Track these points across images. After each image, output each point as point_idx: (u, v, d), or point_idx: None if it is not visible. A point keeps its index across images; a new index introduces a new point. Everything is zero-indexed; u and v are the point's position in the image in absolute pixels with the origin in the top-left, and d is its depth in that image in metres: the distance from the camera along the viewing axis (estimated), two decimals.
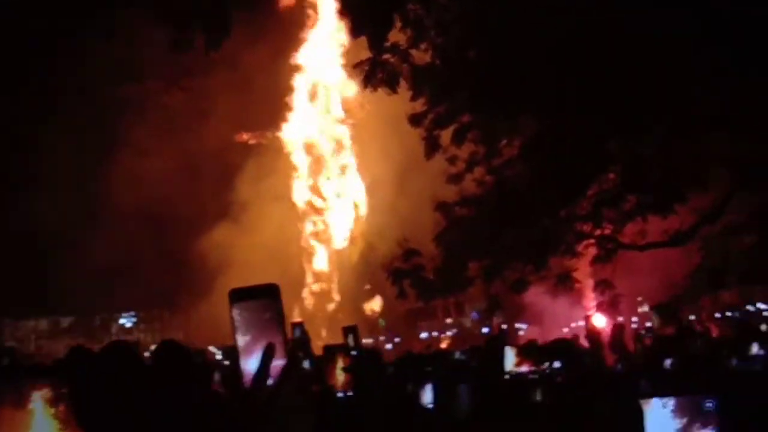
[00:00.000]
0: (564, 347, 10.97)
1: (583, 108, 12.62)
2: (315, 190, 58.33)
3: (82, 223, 50.45)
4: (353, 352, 7.25)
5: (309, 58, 58.03)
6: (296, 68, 57.72)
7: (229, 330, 2.03)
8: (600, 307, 14.83)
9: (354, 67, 14.88)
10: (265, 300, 2.04)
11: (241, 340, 2.02)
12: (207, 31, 12.10)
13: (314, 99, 58.47)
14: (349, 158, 58.34)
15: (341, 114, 58.18)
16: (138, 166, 49.17)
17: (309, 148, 58.47)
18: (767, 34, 10.77)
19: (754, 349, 10.11)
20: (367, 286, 54.77)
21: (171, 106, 52.39)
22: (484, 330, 43.14)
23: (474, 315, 54.23)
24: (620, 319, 14.19)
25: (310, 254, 57.90)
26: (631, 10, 11.76)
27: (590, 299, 16.36)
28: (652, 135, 13.10)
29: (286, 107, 57.63)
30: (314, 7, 56.81)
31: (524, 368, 8.57)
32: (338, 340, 8.67)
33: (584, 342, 13.15)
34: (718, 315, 24.41)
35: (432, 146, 15.22)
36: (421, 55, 14.17)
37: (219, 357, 19.29)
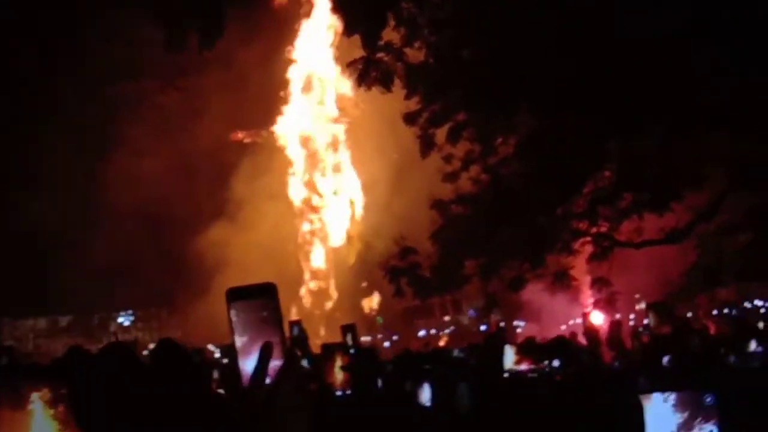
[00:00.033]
0: (563, 345, 10.97)
1: (579, 106, 12.63)
2: (311, 188, 58.30)
3: (80, 223, 50.40)
4: (352, 351, 7.25)
5: (303, 55, 57.97)
6: (290, 66, 57.68)
7: (227, 329, 2.03)
8: (597, 305, 14.84)
9: (348, 65, 14.87)
10: (262, 299, 2.04)
11: (239, 339, 2.03)
12: (200, 31, 12.09)
13: (309, 97, 58.43)
14: (344, 156, 58.32)
15: (336, 112, 58.16)
16: (134, 165, 49.12)
17: (304, 146, 58.44)
18: (766, 34, 10.78)
19: (752, 346, 10.11)
20: (364, 284, 54.75)
21: (166, 105, 52.36)
22: (482, 328, 43.14)
23: (471, 313, 54.25)
24: (617, 316, 14.18)
25: (307, 252, 57.87)
26: (630, 9, 11.77)
27: (587, 297, 16.36)
28: (650, 134, 13.11)
29: (280, 105, 57.61)
30: (309, 3, 56.74)
31: (524, 366, 8.57)
32: (336, 338, 8.66)
33: (582, 339, 13.16)
34: (715, 312, 24.39)
35: (427, 145, 15.23)
36: (415, 54, 14.17)
37: (217, 355, 19.26)
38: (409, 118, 15.17)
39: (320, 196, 57.89)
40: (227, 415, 2.08)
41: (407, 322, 56.76)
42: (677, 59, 11.62)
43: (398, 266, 15.60)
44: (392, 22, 13.68)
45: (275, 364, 1.98)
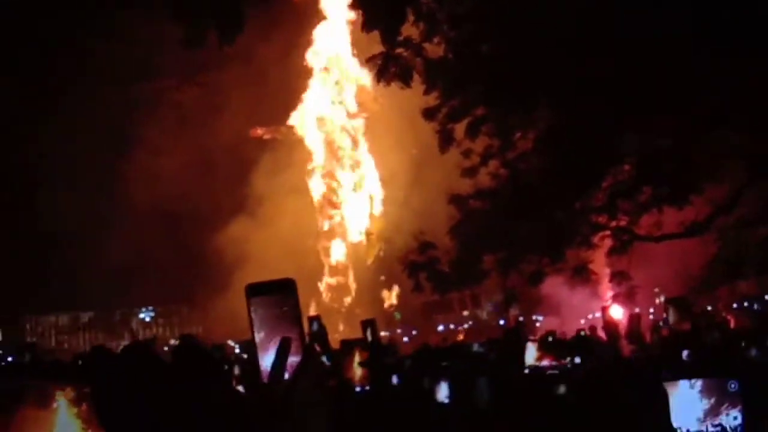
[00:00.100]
0: (583, 342, 10.96)
1: (597, 101, 12.59)
2: (330, 183, 58.34)
3: (101, 221, 50.77)
4: (371, 346, 7.27)
5: (322, 50, 57.96)
6: (309, 61, 57.69)
7: (247, 324, 2.05)
8: (616, 299, 14.79)
9: (367, 61, 14.88)
10: (281, 295, 2.06)
11: (258, 335, 2.04)
12: (220, 27, 12.12)
13: (328, 92, 58.42)
14: (364, 151, 58.30)
15: (355, 107, 58.14)
16: (154, 163, 49.37)
17: (324, 141, 58.47)
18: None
19: None
20: (382, 278, 54.76)
21: (185, 102, 52.58)
22: (501, 322, 43.07)
23: (490, 307, 54.18)
24: (636, 310, 14.14)
25: (326, 248, 57.94)
26: (648, 5, 11.73)
27: (607, 291, 16.32)
28: (668, 128, 13.06)
29: (300, 100, 57.66)
30: None
31: (545, 363, 8.55)
32: (356, 333, 8.69)
33: (601, 333, 13.13)
34: (735, 305, 24.26)
35: (446, 140, 15.22)
36: (434, 49, 14.16)
37: (237, 351, 19.35)
38: (428, 114, 15.17)
39: (339, 191, 57.94)
40: (247, 412, 2.10)
41: (426, 316, 56.77)
42: (694, 54, 11.56)
43: (417, 261, 15.61)
44: (411, 18, 13.67)
45: (294, 359, 2.00)
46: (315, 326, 7.75)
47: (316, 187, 57.90)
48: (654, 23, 11.45)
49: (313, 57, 57.51)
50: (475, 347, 13.24)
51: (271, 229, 50.38)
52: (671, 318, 9.99)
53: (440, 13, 13.84)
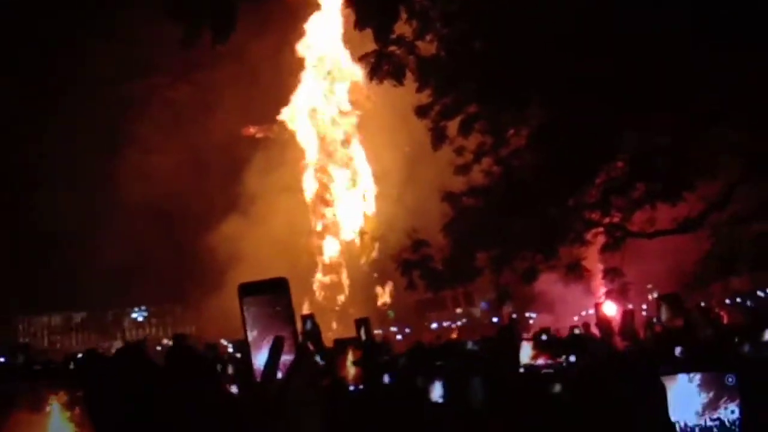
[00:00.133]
0: (578, 340, 10.96)
1: (591, 98, 12.59)
2: (323, 181, 58.32)
3: (93, 221, 50.74)
4: (365, 345, 7.27)
5: (314, 48, 57.91)
6: (302, 58, 57.64)
7: (240, 323, 2.04)
8: (609, 295, 14.81)
9: (360, 59, 14.86)
10: (273, 294, 2.05)
11: (251, 334, 2.04)
12: (214, 26, 12.08)
13: (321, 89, 58.38)
14: (356, 149, 58.30)
15: (348, 105, 58.11)
16: (146, 162, 49.35)
17: (317, 139, 58.44)
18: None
19: (767, 335, 10.08)
20: (375, 275, 54.82)
21: (177, 100, 52.51)
22: (494, 320, 43.15)
23: (483, 305, 54.24)
24: (630, 306, 14.17)
25: (319, 246, 57.94)
26: (642, 2, 11.75)
27: (600, 287, 16.34)
28: (662, 124, 13.07)
29: (292, 98, 57.60)
30: None
31: (540, 361, 8.55)
32: (349, 331, 8.69)
33: (595, 330, 13.15)
34: (728, 301, 24.34)
35: (439, 137, 15.21)
36: (427, 47, 14.15)
37: (231, 350, 19.35)
38: (421, 111, 15.16)
39: (332, 187, 57.91)
40: (240, 413, 2.09)
41: (419, 314, 56.82)
42: (691, 51, 11.57)
43: (410, 259, 15.60)
44: (404, 16, 13.66)
45: (287, 358, 1.99)
46: (308, 325, 7.75)
47: (309, 185, 57.90)
48: (650, 19, 11.45)
49: (305, 49, 57.43)
50: (469, 345, 13.25)
51: (264, 227, 50.40)
52: (663, 315, 10.01)
53: (433, 11, 13.83)
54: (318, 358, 7.04)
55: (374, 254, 54.02)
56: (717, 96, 11.98)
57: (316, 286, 56.57)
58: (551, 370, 8.17)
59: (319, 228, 58.07)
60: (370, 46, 13.90)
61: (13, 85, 47.79)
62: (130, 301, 66.36)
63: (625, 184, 14.15)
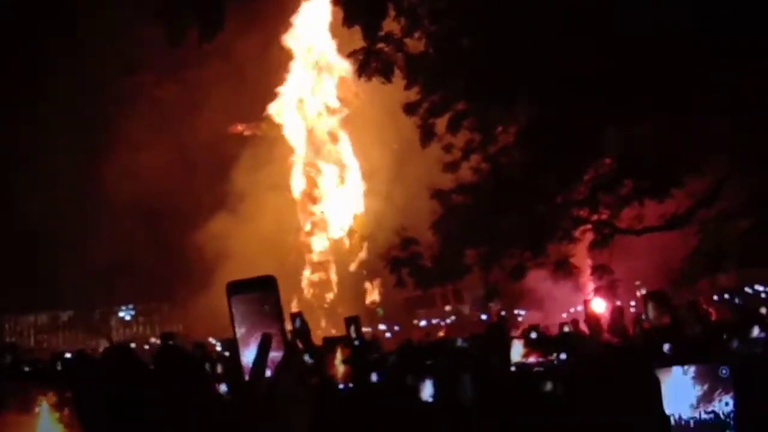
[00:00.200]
0: (568, 338, 10.98)
1: (579, 94, 12.62)
2: (311, 178, 58.29)
3: (79, 219, 50.57)
4: (355, 343, 7.26)
5: (302, 45, 57.84)
6: (289, 55, 57.57)
7: (228, 322, 2.04)
8: (598, 292, 14.85)
9: (348, 56, 14.86)
10: (262, 292, 2.05)
11: (239, 332, 2.03)
12: (201, 24, 12.05)
13: (308, 86, 58.33)
14: (345, 146, 58.29)
15: (336, 102, 58.10)
16: (133, 160, 49.20)
17: (305, 136, 58.40)
18: (762, 18, 10.77)
19: (755, 332, 10.13)
20: (364, 272, 54.85)
21: (164, 98, 52.37)
22: (483, 317, 43.23)
23: (472, 302, 54.31)
24: (618, 303, 14.21)
25: (308, 244, 57.92)
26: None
27: (589, 284, 16.38)
28: (649, 121, 13.10)
29: (280, 95, 57.53)
30: None
31: (532, 359, 8.56)
32: (338, 329, 8.69)
33: (584, 327, 13.18)
34: (716, 298, 24.45)
35: (427, 134, 15.23)
36: (415, 44, 14.16)
37: (219, 348, 19.34)
38: (409, 109, 15.17)
39: (320, 182, 57.88)
40: (229, 412, 2.08)
41: (409, 312, 56.87)
42: (674, 45, 11.60)
43: (399, 256, 15.61)
44: (392, 13, 13.66)
45: (276, 355, 1.99)
46: (298, 323, 7.72)
47: (297, 182, 57.84)
48: (637, 16, 11.48)
49: (292, 41, 57.31)
50: (459, 342, 13.27)
51: (251, 225, 50.35)
52: (650, 313, 10.02)
53: (421, 8, 13.84)
54: (307, 357, 7.01)
55: (363, 253, 54.07)
56: (704, 92, 12.01)
57: (304, 284, 56.56)
58: (542, 368, 8.17)
59: (307, 226, 58.03)
60: (359, 38, 13.90)
61: None
62: (118, 299, 66.18)
63: (613, 181, 14.18)
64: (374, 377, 7.31)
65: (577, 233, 15.11)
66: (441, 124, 15.06)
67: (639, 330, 12.29)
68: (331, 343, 6.95)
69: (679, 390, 3.78)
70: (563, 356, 8.85)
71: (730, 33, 10.97)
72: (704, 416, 3.73)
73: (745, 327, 10.34)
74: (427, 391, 6.29)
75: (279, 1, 54.63)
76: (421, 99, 14.88)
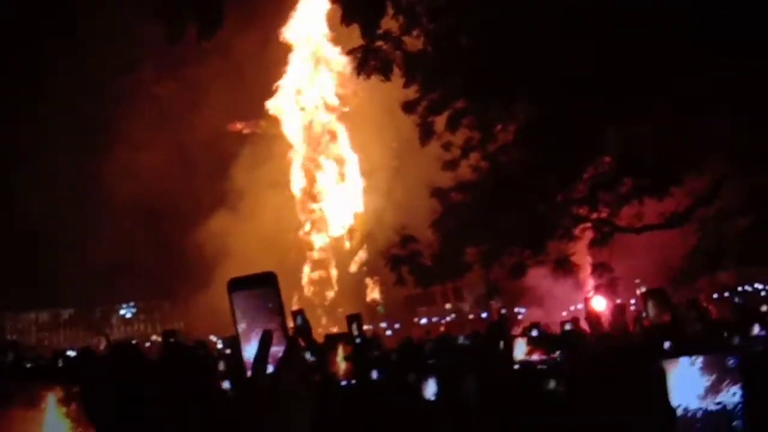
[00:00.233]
0: (571, 336, 10.97)
1: (578, 92, 12.62)
2: (311, 176, 58.25)
3: (80, 217, 50.58)
4: (357, 340, 7.28)
5: (302, 31, 57.75)
6: (288, 53, 57.51)
7: (229, 319, 2.06)
8: (598, 290, 14.85)
9: (347, 54, 14.87)
10: (262, 288, 2.07)
11: (241, 328, 2.05)
12: (200, 22, 12.05)
13: (307, 84, 58.28)
14: (344, 144, 58.25)
15: (335, 100, 58.04)
16: (133, 159, 49.19)
17: (304, 134, 58.33)
18: (762, 18, 10.78)
19: (755, 330, 10.15)
20: (364, 268, 54.82)
21: (164, 96, 52.32)
22: (483, 315, 43.21)
23: (472, 300, 54.26)
24: (618, 301, 14.21)
25: (308, 242, 57.87)
26: None
27: (589, 282, 16.38)
28: (649, 119, 13.10)
29: (279, 92, 57.46)
30: None
31: (535, 357, 8.56)
32: (338, 327, 8.71)
33: (584, 324, 13.18)
34: (716, 296, 24.45)
35: (427, 133, 15.24)
36: (414, 42, 14.16)
37: (220, 346, 19.35)
38: (408, 107, 15.18)
39: (320, 177, 57.80)
40: (231, 408, 2.10)
41: (409, 310, 56.85)
42: (675, 47, 11.61)
43: (399, 255, 15.63)
44: (391, 11, 13.66)
45: (277, 350, 2.00)
46: (299, 320, 7.73)
47: (297, 179, 57.76)
48: (637, 16, 11.49)
49: (290, 34, 57.20)
50: (461, 340, 13.27)
51: (251, 223, 50.34)
52: (650, 311, 10.02)
53: (419, 6, 13.85)
54: (308, 354, 7.03)
55: (363, 251, 54.05)
56: (705, 91, 12.01)
57: (304, 282, 56.52)
58: (545, 366, 8.17)
59: (307, 224, 57.99)
60: (357, 33, 13.89)
61: None
62: (118, 297, 66.17)
63: (613, 180, 14.19)
64: (375, 375, 7.33)
65: (577, 231, 15.13)
66: (440, 122, 15.07)
67: (639, 328, 12.31)
68: (332, 340, 6.96)
69: (687, 381, 3.73)
70: (566, 354, 8.86)
71: (729, 33, 10.97)
72: (712, 407, 3.70)
73: (745, 325, 10.37)
74: (430, 389, 6.30)
75: None
76: (420, 97, 14.90)
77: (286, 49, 57.16)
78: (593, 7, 11.93)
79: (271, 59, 55.53)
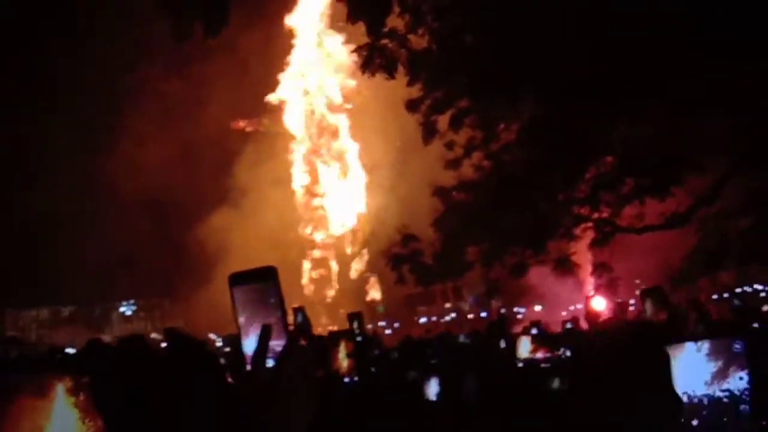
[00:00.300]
0: (575, 334, 10.99)
1: (582, 92, 12.63)
2: (313, 174, 58.22)
3: (82, 214, 50.52)
4: (358, 338, 7.29)
5: (305, 39, 57.75)
6: (292, 50, 57.49)
7: (230, 317, 2.08)
8: (599, 290, 14.86)
9: (352, 52, 14.89)
10: (263, 283, 2.09)
11: (242, 322, 2.07)
12: (207, 20, 12.07)
13: (312, 81, 58.24)
14: (347, 142, 58.21)
15: (339, 98, 58.02)
16: (137, 155, 49.18)
17: (307, 131, 58.30)
18: (757, 20, 10.79)
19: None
20: (366, 273, 54.81)
21: (169, 93, 52.31)
22: (483, 314, 43.23)
23: (471, 300, 54.26)
24: (619, 301, 14.23)
25: (309, 240, 57.85)
26: None
27: (589, 282, 16.39)
28: (651, 118, 13.11)
29: (281, 87, 57.45)
30: None
31: (540, 355, 8.57)
32: (338, 325, 8.73)
33: (584, 324, 13.21)
34: (715, 296, 24.48)
35: (430, 131, 15.25)
36: (419, 41, 14.17)
37: (219, 344, 19.37)
38: (412, 105, 15.19)
39: (322, 172, 57.75)
40: (240, 402, 2.12)
41: (409, 309, 56.83)
42: (673, 49, 11.61)
43: (400, 253, 15.64)
44: (396, 9, 13.68)
45: (277, 344, 2.02)
46: (299, 317, 7.74)
47: (299, 176, 57.69)
48: (635, 18, 11.50)
49: (295, 24, 57.13)
50: (461, 338, 13.31)
51: (253, 220, 50.37)
52: (648, 310, 10.02)
53: (425, 4, 13.86)
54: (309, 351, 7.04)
55: (364, 250, 54.05)
56: (704, 92, 12.02)
57: (305, 280, 56.51)
58: (549, 364, 8.17)
59: (308, 223, 57.96)
60: (361, 29, 13.90)
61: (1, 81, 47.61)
62: (119, 294, 66.15)
63: (615, 180, 14.19)
64: (377, 373, 7.35)
65: (578, 231, 15.13)
66: (443, 121, 15.09)
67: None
68: (335, 337, 6.99)
69: (692, 367, 3.68)
70: (569, 353, 8.88)
71: (725, 35, 10.98)
72: (719, 393, 3.65)
73: (745, 325, 10.38)
74: (432, 389, 6.30)
75: None
76: (424, 96, 14.90)
77: (290, 45, 57.18)
78: (589, 9, 11.93)
79: (275, 57, 55.57)
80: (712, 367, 3.68)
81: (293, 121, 57.44)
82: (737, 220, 14.02)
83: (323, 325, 41.95)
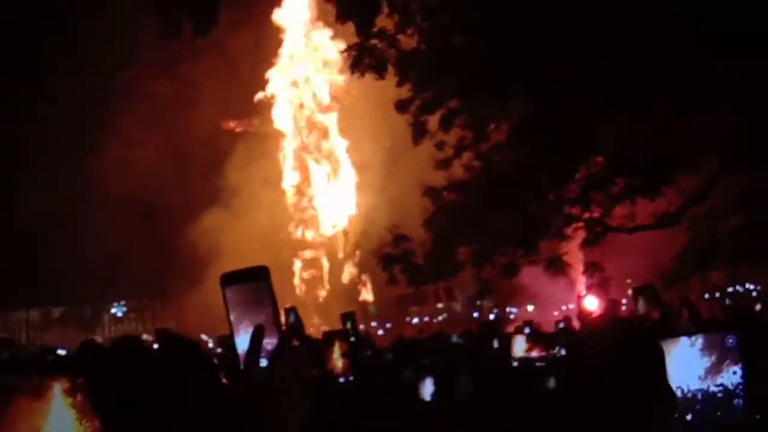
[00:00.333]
0: (567, 333, 11.02)
1: (572, 92, 12.65)
2: (304, 175, 58.17)
3: (72, 214, 50.32)
4: (351, 338, 7.31)
5: (294, 38, 57.68)
6: (280, 49, 57.46)
7: (221, 318, 2.08)
8: (590, 290, 14.90)
9: (341, 52, 14.89)
10: (255, 283, 2.09)
11: (234, 323, 2.07)
12: (195, 19, 12.06)
13: (300, 82, 58.21)
14: (337, 143, 58.17)
15: (328, 99, 57.97)
16: (127, 155, 49.05)
17: (296, 132, 58.26)
18: (758, 19, 10.82)
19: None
20: (356, 269, 54.80)
21: (159, 94, 52.20)
22: (475, 315, 43.27)
23: (464, 300, 54.28)
24: (611, 298, 14.27)
25: (300, 241, 57.77)
26: None
27: (581, 282, 16.42)
28: (642, 118, 13.13)
29: (272, 90, 57.41)
30: None
31: (534, 354, 8.58)
32: (330, 326, 8.73)
33: (576, 323, 13.24)
34: (707, 296, 24.54)
35: (420, 132, 15.26)
36: (408, 41, 14.18)
37: (211, 345, 19.36)
38: (402, 106, 15.19)
39: (312, 181, 57.73)
40: (234, 402, 2.12)
41: (401, 309, 56.80)
42: (668, 48, 11.64)
43: (391, 254, 15.65)
44: (386, 9, 13.69)
45: (270, 343, 2.02)
46: (292, 317, 7.75)
47: (289, 177, 57.61)
48: (630, 17, 11.52)
49: (282, 21, 57.07)
50: (454, 338, 13.32)
51: (245, 221, 50.26)
52: (641, 307, 10.04)
53: (414, 4, 13.87)
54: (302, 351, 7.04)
55: (356, 250, 54.03)
56: (697, 92, 12.05)
57: (296, 281, 56.45)
58: (544, 363, 8.19)
59: (299, 223, 57.90)
60: (351, 28, 13.91)
61: None
62: (110, 295, 65.91)
63: (605, 180, 14.22)
64: (370, 373, 7.37)
65: (569, 231, 15.16)
66: (433, 121, 15.09)
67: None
68: (330, 337, 6.99)
69: (687, 361, 3.67)
70: (563, 351, 8.89)
71: (723, 34, 11.01)
72: (712, 388, 3.64)
73: (737, 324, 10.41)
74: (427, 390, 6.31)
75: None
76: (414, 96, 14.91)
77: (279, 42, 57.12)
78: (587, 8, 11.96)
79: (265, 57, 55.53)
80: (706, 361, 3.68)
81: (282, 116, 57.34)
82: (727, 220, 14.07)
83: (315, 326, 41.91)
